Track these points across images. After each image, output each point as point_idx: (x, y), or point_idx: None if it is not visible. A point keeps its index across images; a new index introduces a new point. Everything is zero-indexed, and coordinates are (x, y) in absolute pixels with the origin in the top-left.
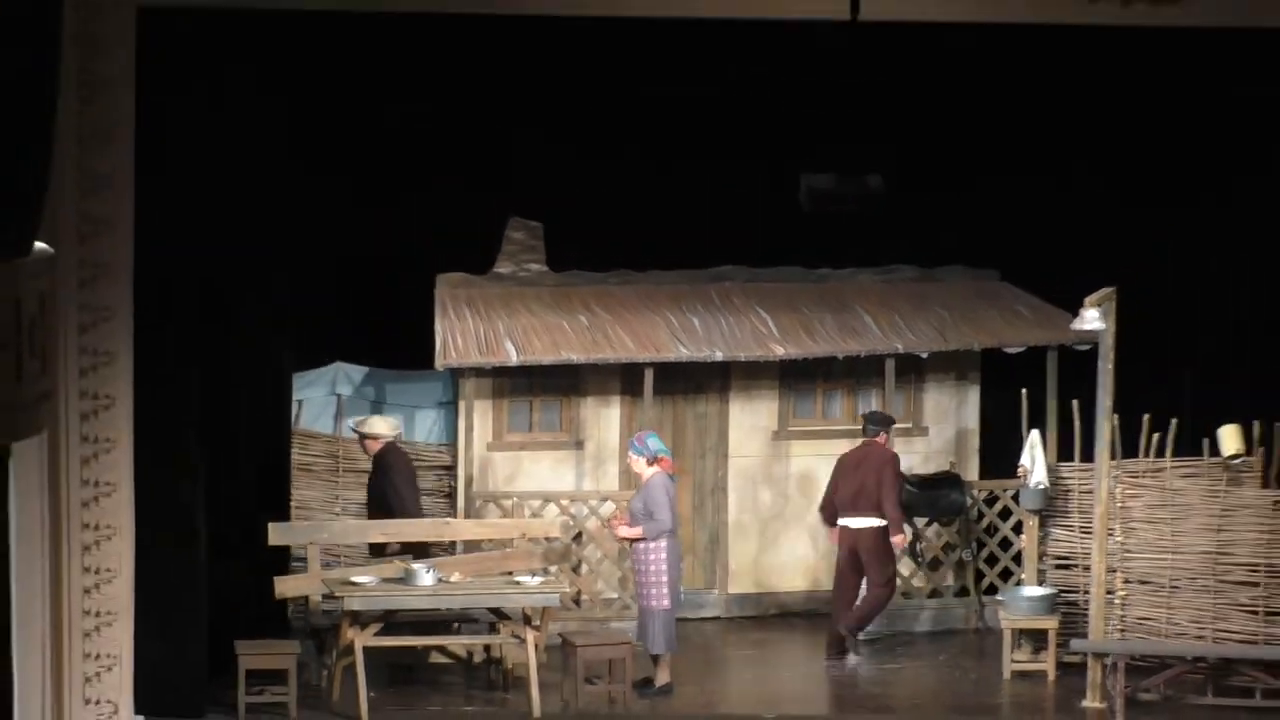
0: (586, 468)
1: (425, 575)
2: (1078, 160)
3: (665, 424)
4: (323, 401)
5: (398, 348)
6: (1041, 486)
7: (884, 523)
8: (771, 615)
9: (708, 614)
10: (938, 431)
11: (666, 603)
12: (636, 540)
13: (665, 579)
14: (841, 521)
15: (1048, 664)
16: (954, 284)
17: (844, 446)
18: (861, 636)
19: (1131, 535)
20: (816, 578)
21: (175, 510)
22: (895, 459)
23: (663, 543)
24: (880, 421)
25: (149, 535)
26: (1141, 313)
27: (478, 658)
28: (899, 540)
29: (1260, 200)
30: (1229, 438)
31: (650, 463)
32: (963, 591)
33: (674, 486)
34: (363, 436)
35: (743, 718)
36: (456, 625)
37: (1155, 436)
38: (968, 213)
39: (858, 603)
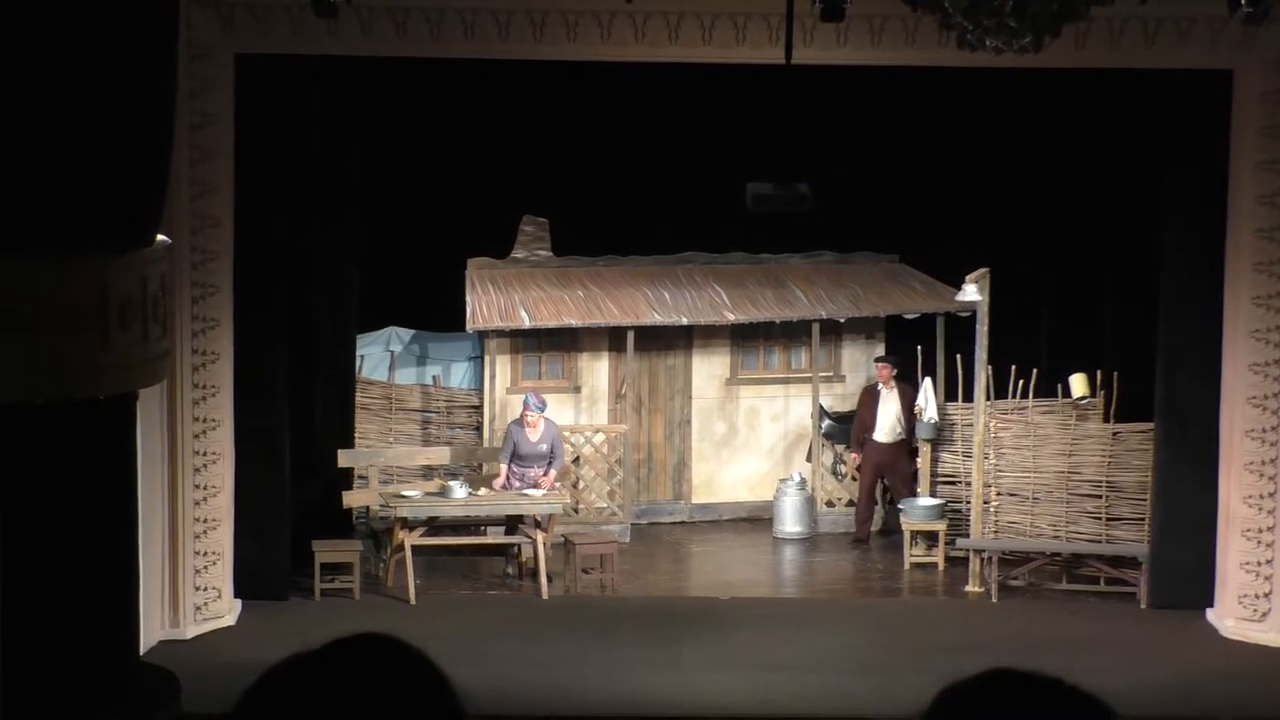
0: (583, 406)
1: (459, 490)
2: (958, 164)
3: (643, 373)
4: (380, 356)
5: (437, 314)
6: (933, 421)
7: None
8: (725, 520)
9: (676, 519)
10: (852, 378)
11: None
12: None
13: None
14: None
15: (938, 558)
16: (864, 265)
17: (780, 390)
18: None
19: (1002, 459)
20: (758, 491)
21: (266, 440)
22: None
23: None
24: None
25: (246, 460)
26: (1009, 285)
27: (499, 554)
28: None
29: (1085, 181)
30: (1077, 383)
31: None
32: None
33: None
34: None
35: (704, 598)
36: (483, 529)
37: (1020, 383)
38: (874, 210)
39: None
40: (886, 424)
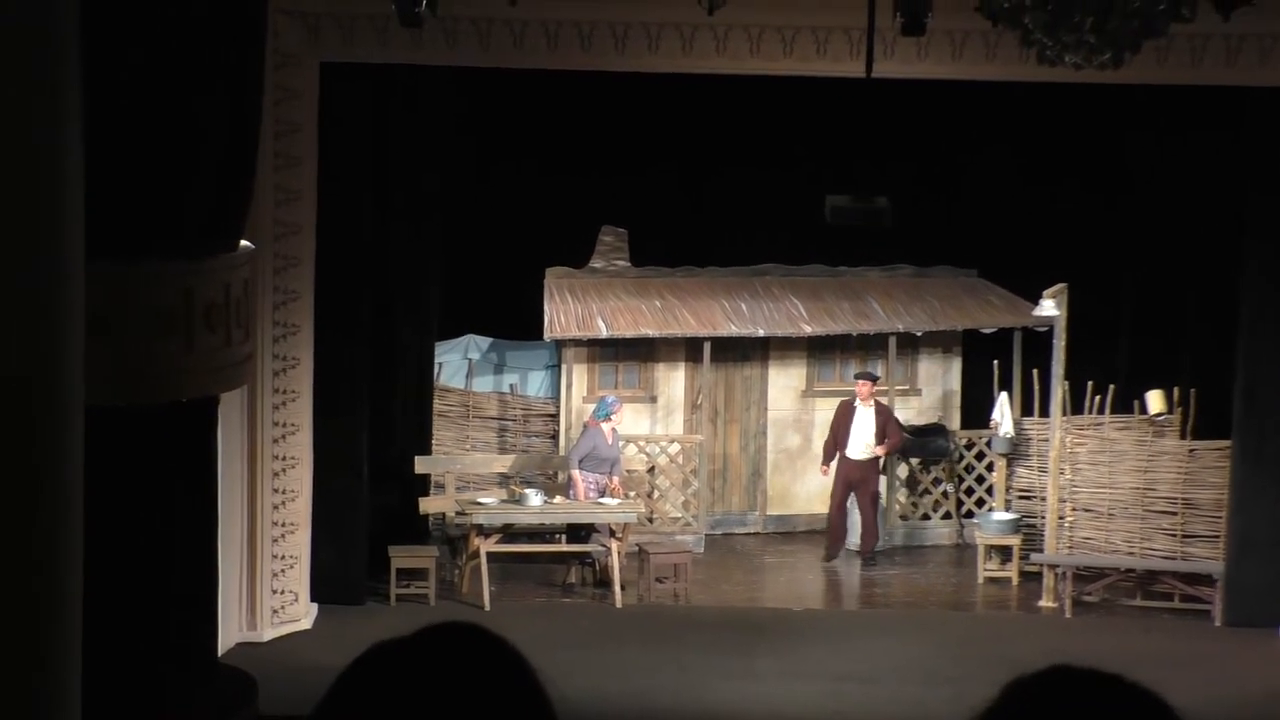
0: (658, 416)
1: (534, 497)
2: (1037, 179)
3: (719, 384)
4: (458, 364)
5: (515, 323)
6: (1009, 435)
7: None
8: (799, 531)
9: (750, 530)
10: (928, 392)
11: None
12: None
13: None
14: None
15: (1012, 572)
16: (942, 279)
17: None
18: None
19: (1078, 474)
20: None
21: (345, 446)
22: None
23: None
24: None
25: (324, 465)
26: (1087, 301)
27: (573, 562)
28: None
29: (1164, 197)
30: (1154, 400)
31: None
32: (946, 516)
33: (589, 435)
34: None
35: (777, 609)
36: (559, 536)
37: (1097, 398)
38: (952, 224)
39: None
40: (860, 440)
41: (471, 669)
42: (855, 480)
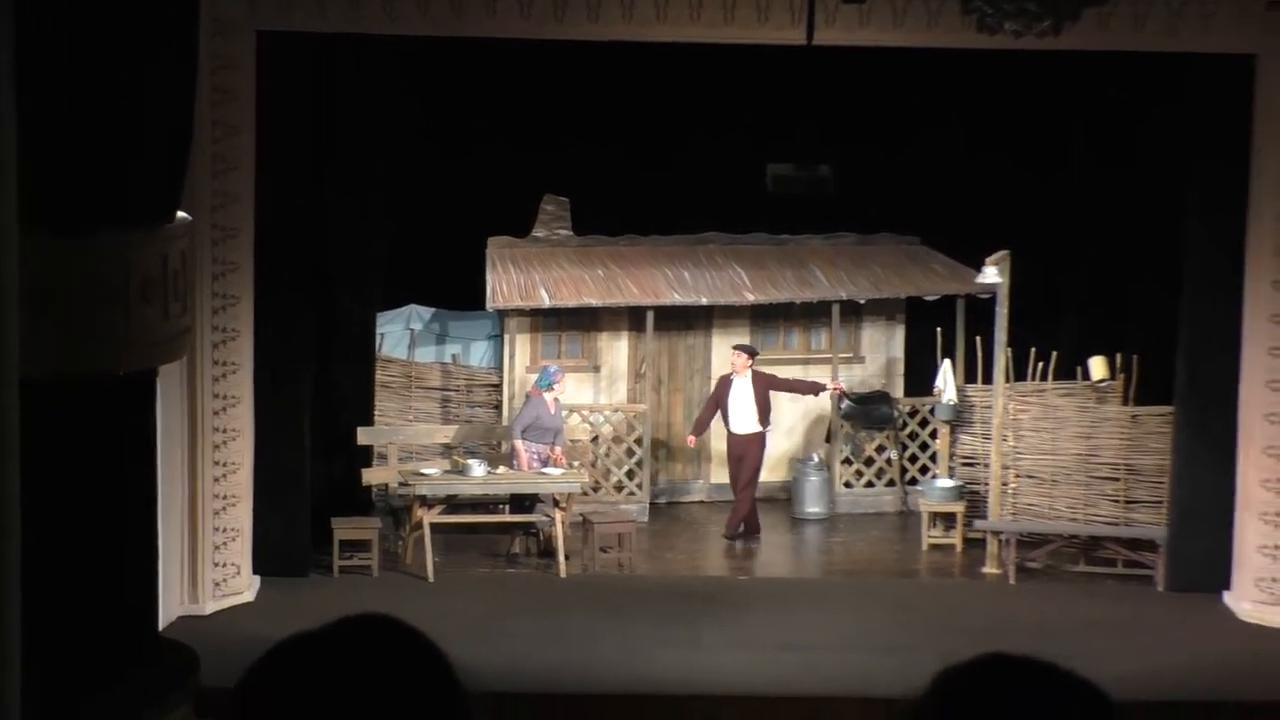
0: (602, 386)
1: (478, 468)
2: (979, 147)
3: (663, 353)
4: (399, 334)
5: (457, 293)
6: (952, 403)
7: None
8: None
9: (694, 498)
10: (872, 359)
11: None
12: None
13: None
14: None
15: (956, 539)
16: (884, 247)
17: (799, 371)
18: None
19: (1021, 440)
20: (777, 471)
21: (286, 418)
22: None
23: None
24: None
25: (265, 437)
26: (1029, 268)
27: (517, 533)
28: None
29: (1107, 165)
30: (1097, 366)
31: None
32: (890, 483)
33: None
34: None
35: (722, 578)
36: (503, 506)
37: (1039, 365)
38: (895, 191)
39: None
40: (741, 414)
41: (385, 661)
42: (739, 454)
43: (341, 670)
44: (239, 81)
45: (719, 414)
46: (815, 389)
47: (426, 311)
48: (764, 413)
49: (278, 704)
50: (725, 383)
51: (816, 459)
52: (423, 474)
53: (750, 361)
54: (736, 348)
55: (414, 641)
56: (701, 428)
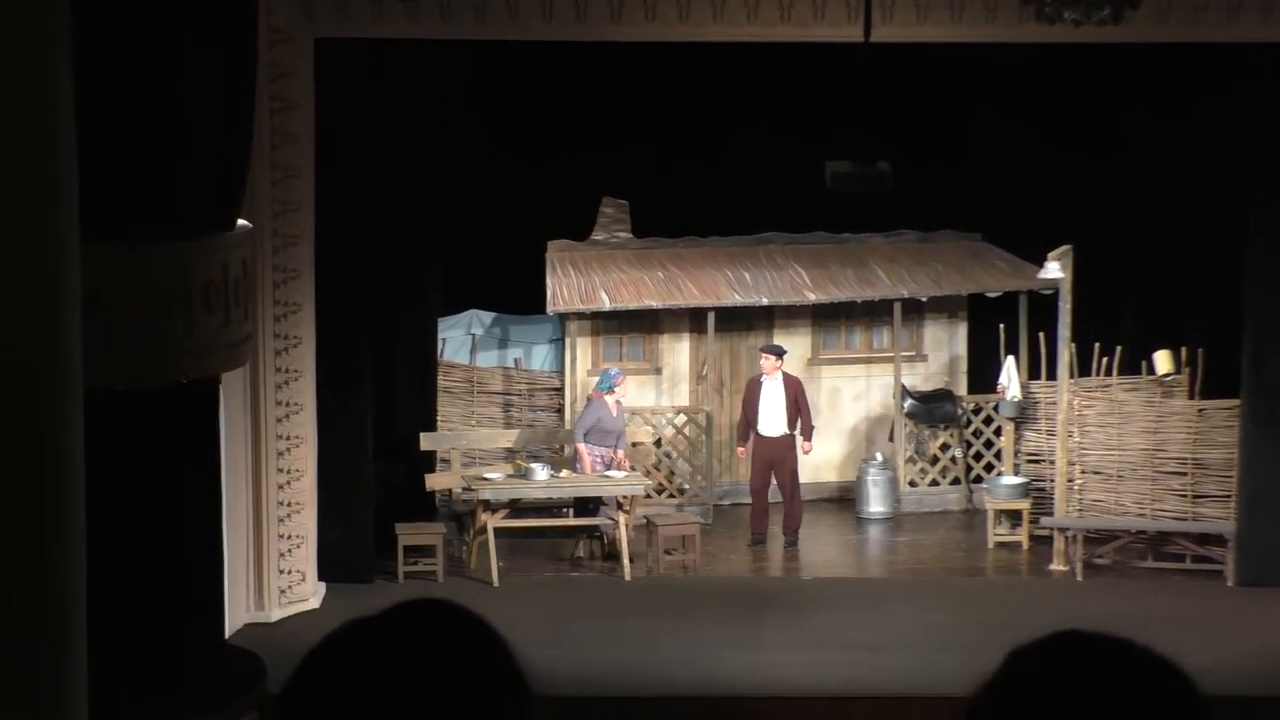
0: (664, 388)
1: (540, 472)
2: (1040, 142)
3: (724, 354)
4: (461, 339)
5: (518, 297)
6: (1016, 399)
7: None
8: (807, 500)
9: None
10: (935, 358)
11: None
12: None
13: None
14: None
15: (1022, 536)
16: (946, 244)
17: (862, 370)
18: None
19: (1086, 436)
20: (841, 471)
21: (349, 424)
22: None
23: None
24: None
25: (329, 443)
26: (1092, 263)
27: (581, 536)
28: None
29: (1167, 157)
30: (1162, 360)
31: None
32: (954, 481)
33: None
34: None
35: (786, 579)
36: (566, 510)
37: (1104, 360)
38: (956, 188)
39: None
40: (771, 417)
41: (443, 644)
42: (774, 458)
43: (400, 653)
44: (298, 89)
45: (744, 416)
46: (807, 431)
47: (487, 316)
48: (794, 412)
49: (333, 692)
50: (755, 385)
51: (880, 458)
52: (486, 479)
53: (779, 363)
54: (765, 349)
55: (474, 626)
56: (744, 437)
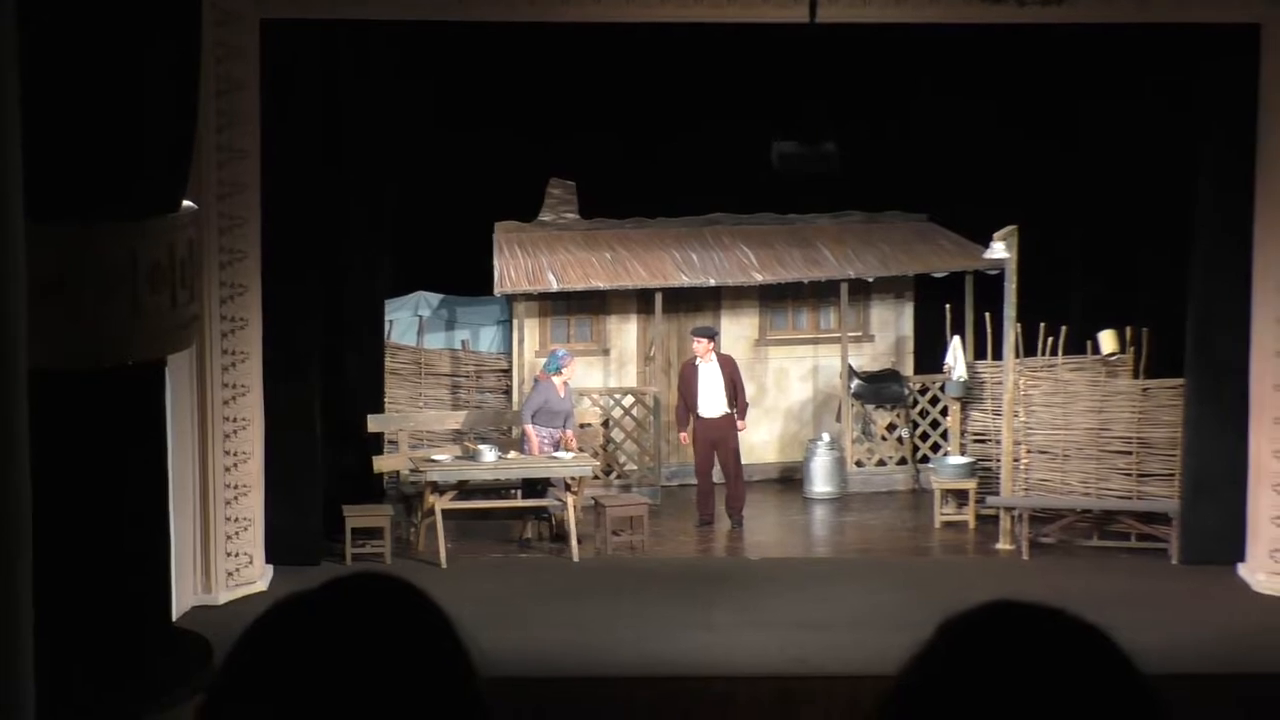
0: (611, 369)
1: (488, 453)
2: (986, 122)
3: (671, 335)
4: (408, 321)
5: (466, 279)
6: (962, 379)
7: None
8: (754, 481)
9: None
10: (881, 338)
11: None
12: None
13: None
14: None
15: (969, 516)
16: (892, 224)
17: (809, 350)
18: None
19: (1032, 416)
20: (788, 452)
21: (296, 406)
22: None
23: None
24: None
25: (276, 425)
26: (1038, 242)
27: (529, 517)
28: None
29: (1115, 139)
30: (1107, 340)
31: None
32: (901, 461)
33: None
34: None
35: (734, 559)
36: (514, 491)
37: (1049, 340)
38: (902, 169)
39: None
40: (710, 399)
41: (384, 616)
42: (715, 439)
43: (340, 628)
44: (244, 70)
45: (683, 401)
46: (743, 409)
47: (435, 298)
48: (731, 392)
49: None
50: (690, 369)
51: (827, 438)
52: (434, 460)
53: (712, 345)
54: (695, 332)
55: (415, 599)
56: (684, 422)
